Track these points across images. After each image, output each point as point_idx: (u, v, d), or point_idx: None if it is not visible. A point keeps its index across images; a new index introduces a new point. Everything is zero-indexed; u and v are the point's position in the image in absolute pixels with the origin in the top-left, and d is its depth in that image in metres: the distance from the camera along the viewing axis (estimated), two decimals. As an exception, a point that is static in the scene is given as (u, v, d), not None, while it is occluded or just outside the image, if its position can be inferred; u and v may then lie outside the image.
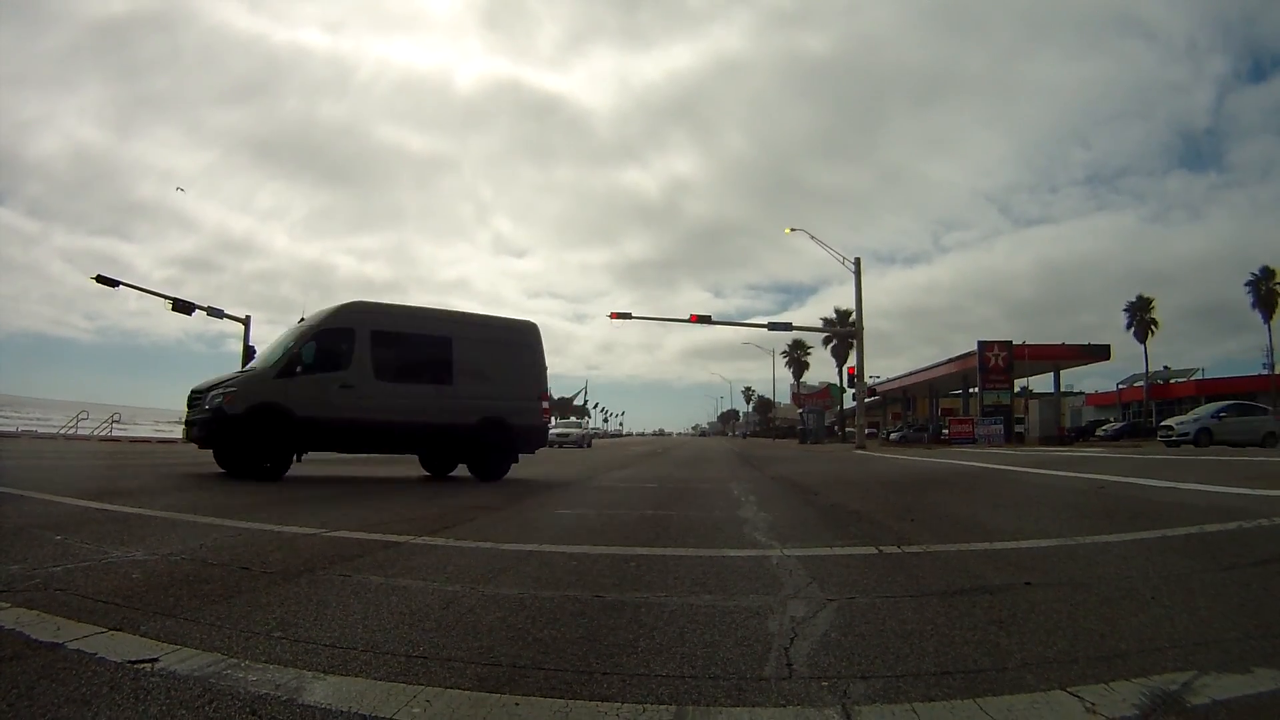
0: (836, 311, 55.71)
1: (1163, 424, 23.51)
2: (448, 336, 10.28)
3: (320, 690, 1.91)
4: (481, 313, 11.61)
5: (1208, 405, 24.62)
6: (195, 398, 9.38)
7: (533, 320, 11.68)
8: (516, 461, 10.82)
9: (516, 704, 1.84)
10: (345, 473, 11.03)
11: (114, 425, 31.22)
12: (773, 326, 34.54)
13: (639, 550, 4.11)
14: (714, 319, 35.44)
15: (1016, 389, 38.31)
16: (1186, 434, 20.08)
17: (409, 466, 11.61)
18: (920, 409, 56.48)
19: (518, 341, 11.01)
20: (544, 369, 11.38)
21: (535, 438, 11.10)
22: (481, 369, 10.38)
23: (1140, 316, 52.18)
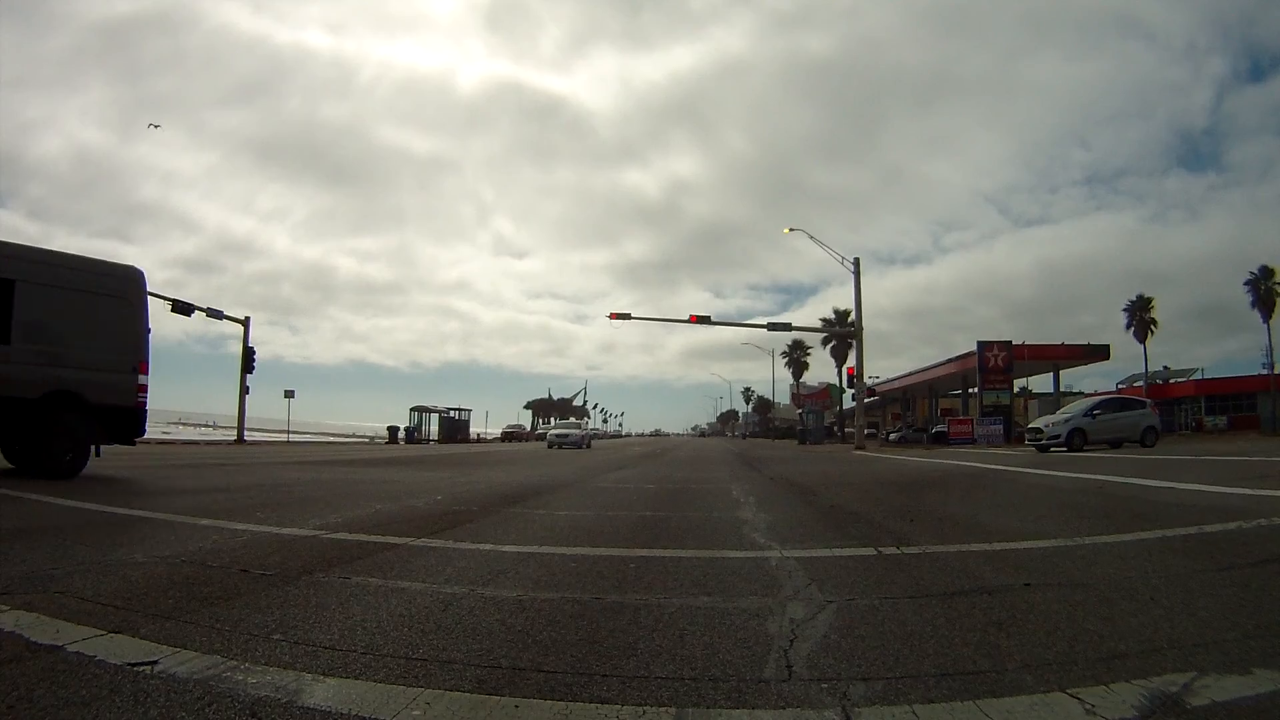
0: (836, 312, 55.70)
1: (1030, 426, 20.22)
2: (9, 279, 7.76)
3: (320, 692, 1.91)
4: (61, 250, 8.89)
5: (1080, 402, 21.36)
6: None
7: (135, 266, 9.20)
8: (99, 455, 8.65)
9: (516, 706, 1.84)
10: None
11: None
12: (772, 327, 34.56)
13: (638, 552, 4.11)
14: (714, 319, 35.51)
15: (1016, 389, 38.34)
16: (1057, 436, 17.55)
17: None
18: (920, 409, 56.46)
19: (110, 292, 8.63)
20: (145, 331, 8.95)
21: (126, 422, 8.65)
22: (53, 325, 8.10)
23: (1140, 316, 52.24)
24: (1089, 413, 18.28)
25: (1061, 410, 20.79)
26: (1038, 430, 18.63)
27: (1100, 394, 25.73)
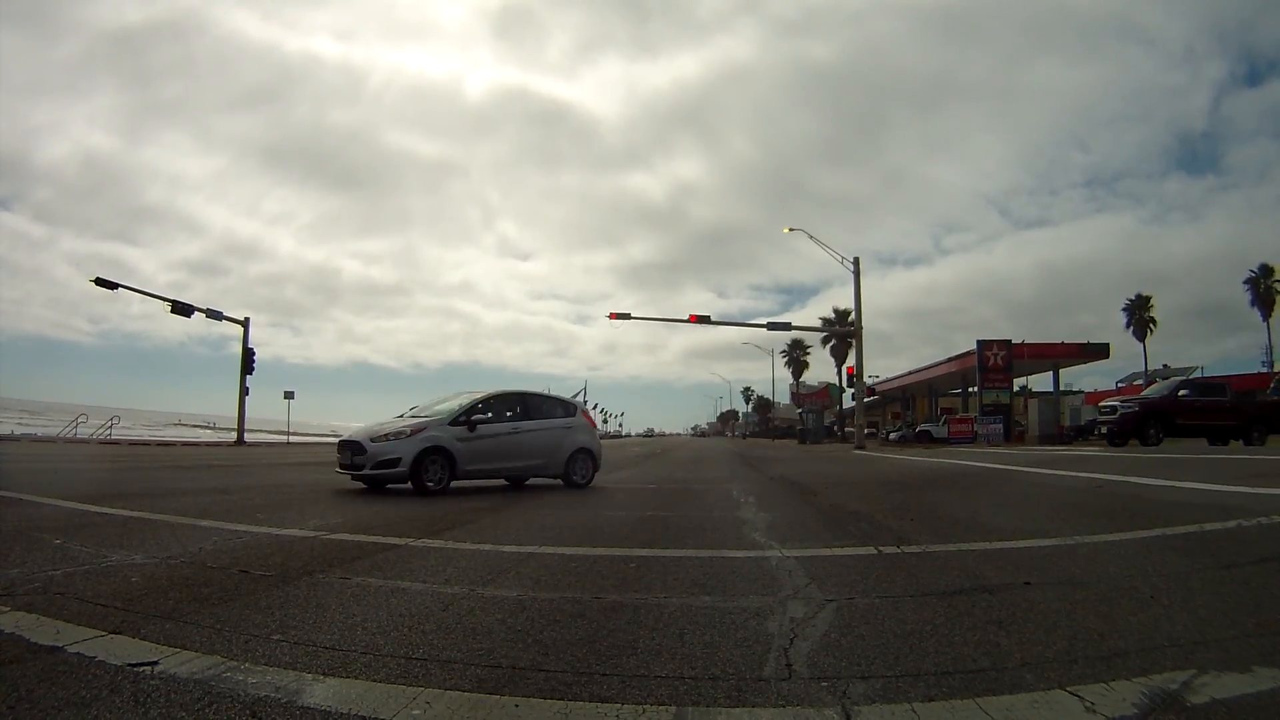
0: (836, 311, 55.60)
1: (346, 438, 9.03)
2: None
3: (320, 692, 1.91)
4: None
5: (452, 400, 9.40)
6: None
7: None
8: None
9: (516, 705, 1.84)
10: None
11: (113, 428, 31.22)
12: (772, 326, 34.53)
13: (638, 551, 4.11)
14: (714, 319, 35.43)
15: (1016, 388, 38.31)
16: (394, 461, 8.08)
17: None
18: (920, 408, 56.45)
19: None
20: None
21: None
22: None
23: (1139, 315, 52.19)
24: (462, 418, 8.72)
25: (414, 411, 9.62)
26: (356, 447, 8.45)
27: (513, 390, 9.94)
